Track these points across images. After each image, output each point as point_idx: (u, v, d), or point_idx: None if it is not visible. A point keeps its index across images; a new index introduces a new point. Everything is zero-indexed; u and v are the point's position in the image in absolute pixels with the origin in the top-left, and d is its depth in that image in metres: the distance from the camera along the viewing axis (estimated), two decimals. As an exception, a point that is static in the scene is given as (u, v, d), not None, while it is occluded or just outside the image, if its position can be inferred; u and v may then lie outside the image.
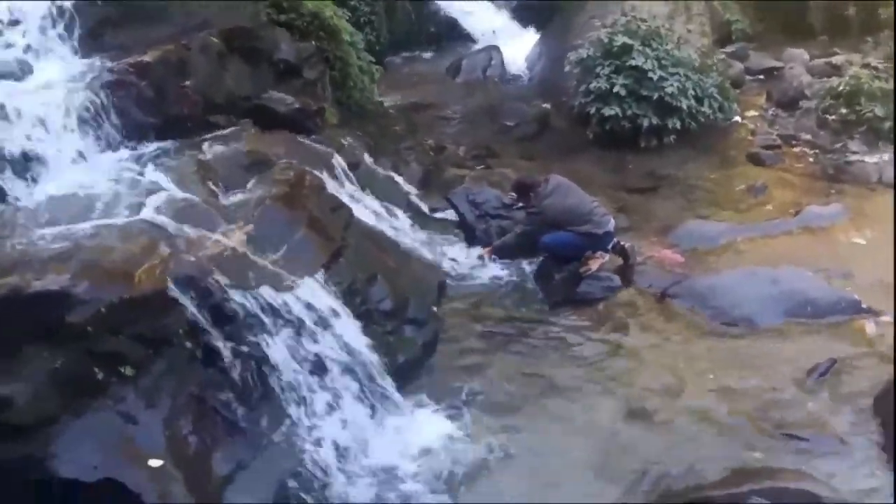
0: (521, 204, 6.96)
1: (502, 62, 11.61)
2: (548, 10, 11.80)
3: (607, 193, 7.81)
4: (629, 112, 8.66)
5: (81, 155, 5.65)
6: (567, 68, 9.31)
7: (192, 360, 4.50)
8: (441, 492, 4.67)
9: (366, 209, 6.70)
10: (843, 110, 8.54)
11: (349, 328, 5.22)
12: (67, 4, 6.19)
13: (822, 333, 5.89)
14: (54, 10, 6.09)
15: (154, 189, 5.32)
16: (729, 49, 11.11)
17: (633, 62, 8.63)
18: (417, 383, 5.50)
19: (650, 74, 8.59)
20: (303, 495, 4.50)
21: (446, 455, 4.89)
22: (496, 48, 11.89)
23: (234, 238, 5.02)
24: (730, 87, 9.59)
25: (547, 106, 10.01)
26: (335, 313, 5.15)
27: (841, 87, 8.64)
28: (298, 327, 4.91)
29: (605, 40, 8.90)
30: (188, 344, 4.47)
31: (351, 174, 6.93)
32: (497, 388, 5.49)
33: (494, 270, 6.87)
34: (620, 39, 8.77)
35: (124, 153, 5.85)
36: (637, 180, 8.37)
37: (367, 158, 7.50)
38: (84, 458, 4.05)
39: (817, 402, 5.22)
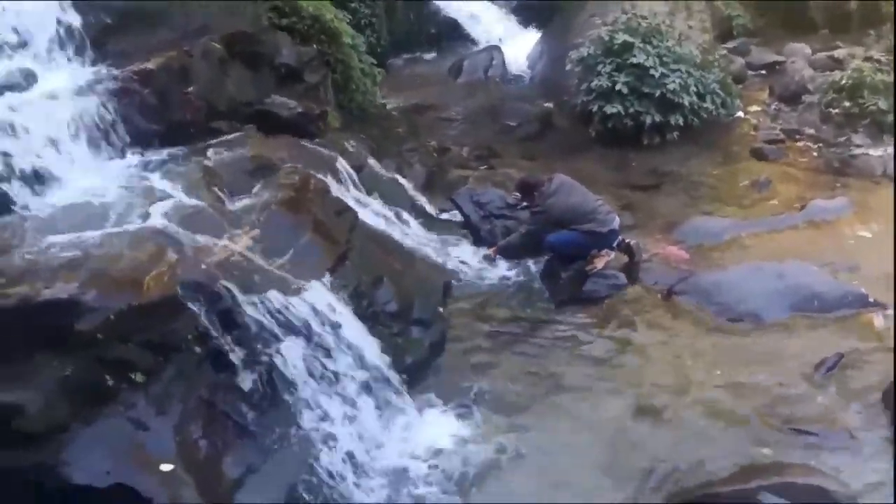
0: (525, 203, 6.95)
1: (503, 62, 11.60)
2: (548, 9, 11.81)
3: (611, 191, 7.80)
4: (631, 110, 8.65)
5: (88, 163, 5.66)
6: (568, 67, 9.31)
7: (201, 366, 4.52)
8: (452, 493, 4.69)
9: (372, 213, 6.71)
10: (846, 104, 8.54)
11: (356, 330, 5.25)
12: (73, 16, 6.20)
13: (829, 328, 5.88)
14: (62, 31, 6.11)
15: (160, 196, 5.33)
16: (730, 45, 11.10)
17: (634, 60, 8.63)
18: (425, 384, 5.52)
19: (652, 72, 8.58)
20: (313, 498, 4.52)
21: (456, 455, 4.91)
22: (497, 48, 11.90)
23: (240, 243, 5.05)
24: (732, 82, 9.58)
25: (549, 105, 10.00)
26: (342, 316, 5.17)
27: (843, 81, 8.63)
28: (306, 331, 4.93)
29: (606, 38, 8.89)
30: (197, 349, 4.49)
31: (355, 177, 6.94)
32: (505, 387, 5.50)
33: (503, 270, 6.88)
34: (621, 37, 8.77)
35: (130, 161, 5.87)
36: (640, 177, 8.36)
37: (371, 161, 7.49)
38: (96, 465, 4.07)
39: (825, 397, 5.21)
